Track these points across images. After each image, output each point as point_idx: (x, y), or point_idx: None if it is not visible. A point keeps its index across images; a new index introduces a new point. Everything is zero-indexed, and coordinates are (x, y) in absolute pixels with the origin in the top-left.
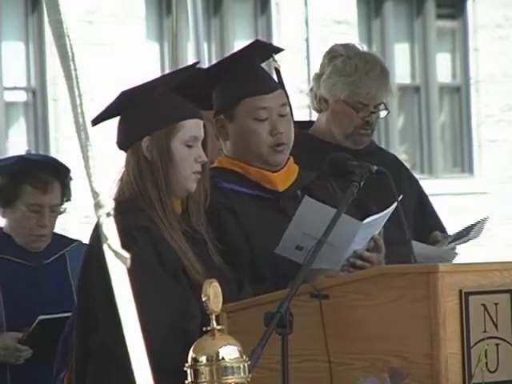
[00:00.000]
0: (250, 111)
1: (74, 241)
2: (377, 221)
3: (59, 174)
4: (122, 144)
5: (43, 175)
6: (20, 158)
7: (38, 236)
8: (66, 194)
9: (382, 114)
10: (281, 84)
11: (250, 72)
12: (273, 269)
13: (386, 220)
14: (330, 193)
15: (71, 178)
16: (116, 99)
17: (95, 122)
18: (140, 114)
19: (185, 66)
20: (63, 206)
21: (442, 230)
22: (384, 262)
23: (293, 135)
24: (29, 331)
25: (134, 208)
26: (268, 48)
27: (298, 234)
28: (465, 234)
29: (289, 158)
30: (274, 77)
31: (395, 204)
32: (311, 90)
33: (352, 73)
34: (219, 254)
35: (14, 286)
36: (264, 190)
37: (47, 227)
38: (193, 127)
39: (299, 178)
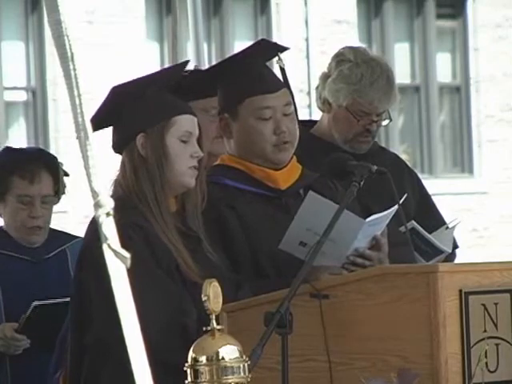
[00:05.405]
0: (253, 110)
1: (75, 237)
2: (380, 219)
3: (46, 163)
4: (118, 144)
5: (29, 165)
6: (5, 150)
7: (32, 228)
8: (58, 186)
9: (384, 122)
10: (286, 83)
11: (254, 71)
12: (275, 266)
13: (389, 219)
14: (333, 192)
15: (67, 174)
16: (107, 97)
17: (94, 126)
18: (133, 112)
19: (174, 64)
20: (56, 198)
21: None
22: (387, 261)
23: (297, 134)
24: (24, 318)
25: (126, 206)
26: (273, 47)
27: (302, 229)
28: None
29: (292, 157)
30: (280, 76)
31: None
32: (317, 88)
33: (357, 81)
34: (216, 251)
35: (15, 280)
36: (266, 188)
37: (40, 218)
38: (186, 122)
39: (302, 176)
